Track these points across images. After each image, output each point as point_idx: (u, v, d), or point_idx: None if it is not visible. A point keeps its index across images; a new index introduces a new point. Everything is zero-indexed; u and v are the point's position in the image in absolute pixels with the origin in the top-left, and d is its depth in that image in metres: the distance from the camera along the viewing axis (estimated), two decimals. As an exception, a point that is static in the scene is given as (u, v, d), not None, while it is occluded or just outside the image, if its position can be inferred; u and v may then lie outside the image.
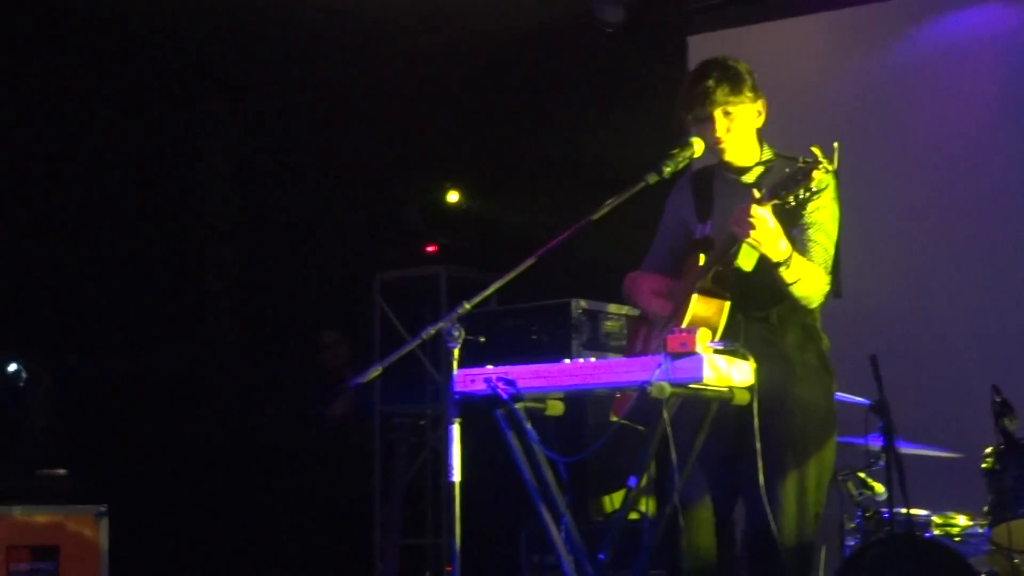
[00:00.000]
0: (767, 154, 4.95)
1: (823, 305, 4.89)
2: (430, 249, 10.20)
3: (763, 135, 5.00)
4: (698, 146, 4.86)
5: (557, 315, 7.37)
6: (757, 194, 4.53)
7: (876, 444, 5.95)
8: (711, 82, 4.81)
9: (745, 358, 4.43)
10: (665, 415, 4.29)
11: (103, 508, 7.24)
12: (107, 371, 9.36)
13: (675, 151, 4.84)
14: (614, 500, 6.73)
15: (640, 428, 4.54)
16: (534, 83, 9.50)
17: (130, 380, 9.50)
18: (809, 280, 4.71)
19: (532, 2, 9.17)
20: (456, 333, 4.41)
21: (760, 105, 4.91)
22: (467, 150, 9.79)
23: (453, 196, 10.16)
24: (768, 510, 4.57)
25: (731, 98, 4.81)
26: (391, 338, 9.02)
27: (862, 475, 6.26)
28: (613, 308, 7.39)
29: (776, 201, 4.50)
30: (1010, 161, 7.94)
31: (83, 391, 9.06)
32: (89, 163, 9.54)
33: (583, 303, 7.35)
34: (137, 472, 9.05)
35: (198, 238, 10.46)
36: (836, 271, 4.99)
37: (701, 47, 8.45)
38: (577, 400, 4.72)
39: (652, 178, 4.78)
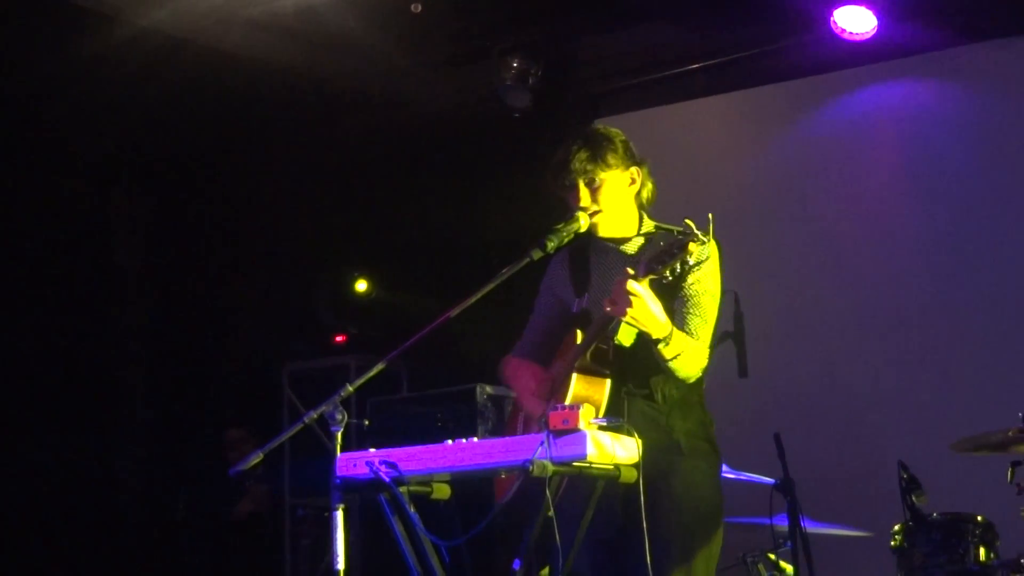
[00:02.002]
0: (647, 225, 4.79)
1: (702, 381, 4.71)
2: (339, 339, 10.06)
3: (669, 212, 4.81)
4: (583, 220, 4.70)
5: (462, 401, 7.31)
6: (631, 271, 4.37)
7: (783, 524, 5.85)
8: (572, 150, 4.68)
9: (630, 434, 4.26)
10: (548, 495, 4.11)
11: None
12: (20, 462, 9.18)
13: (559, 225, 4.70)
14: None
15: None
16: (443, 170, 9.46)
17: (42, 471, 9.30)
18: (689, 356, 4.52)
19: (439, 89, 9.14)
20: (339, 416, 4.31)
21: (633, 172, 4.74)
22: (375, 239, 9.71)
23: (361, 285, 10.03)
24: None
25: (589, 166, 4.66)
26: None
27: (772, 556, 6.18)
28: (518, 393, 7.31)
29: (652, 276, 4.35)
30: (914, 237, 7.95)
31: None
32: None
33: (488, 388, 7.29)
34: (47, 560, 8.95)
35: (109, 330, 10.34)
36: (741, 349, 4.89)
37: (608, 130, 8.43)
38: (484, 480, 4.54)
39: (536, 254, 4.64)
